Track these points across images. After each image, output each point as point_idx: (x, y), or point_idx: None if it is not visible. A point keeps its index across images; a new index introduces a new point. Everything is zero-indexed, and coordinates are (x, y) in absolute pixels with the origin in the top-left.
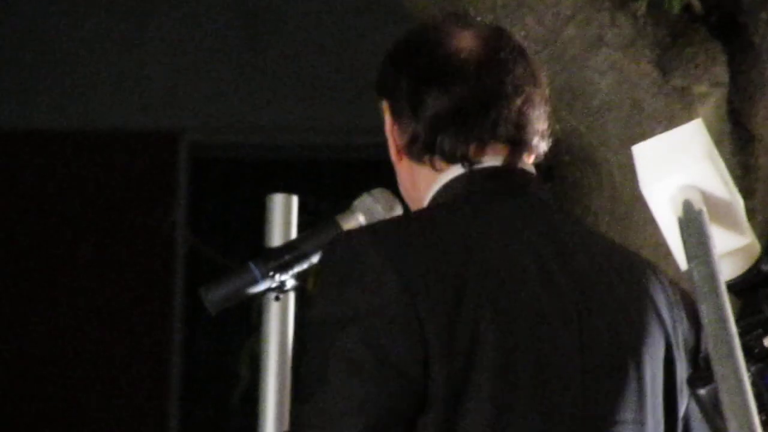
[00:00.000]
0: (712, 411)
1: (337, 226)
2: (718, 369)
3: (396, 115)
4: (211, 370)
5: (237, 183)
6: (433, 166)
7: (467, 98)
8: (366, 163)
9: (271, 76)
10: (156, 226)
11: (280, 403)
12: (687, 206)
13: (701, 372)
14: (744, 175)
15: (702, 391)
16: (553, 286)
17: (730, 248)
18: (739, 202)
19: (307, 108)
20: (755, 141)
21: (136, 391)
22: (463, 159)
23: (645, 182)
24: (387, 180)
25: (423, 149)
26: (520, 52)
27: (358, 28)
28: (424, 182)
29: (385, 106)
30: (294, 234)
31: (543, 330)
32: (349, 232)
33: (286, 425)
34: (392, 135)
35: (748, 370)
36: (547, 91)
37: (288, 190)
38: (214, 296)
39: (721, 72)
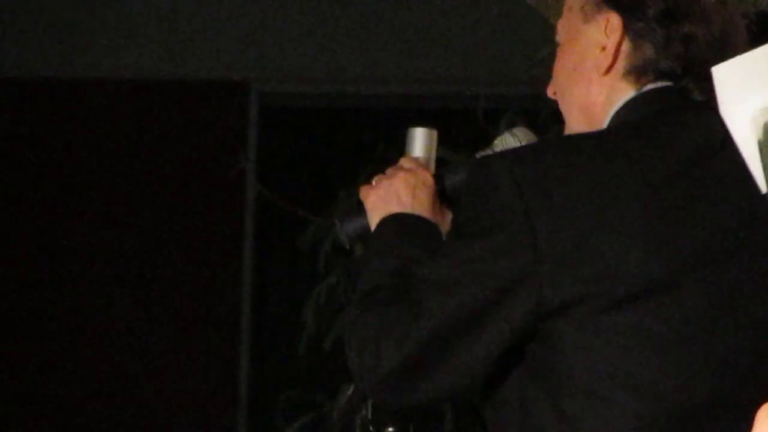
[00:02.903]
0: None
1: None
2: None
3: (637, 34)
4: (282, 318)
5: (306, 132)
6: (638, 86)
7: (712, 38)
8: (437, 111)
9: (340, 24)
10: (226, 174)
11: None
12: (767, 129)
13: None
14: None
15: None
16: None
17: None
18: None
19: (376, 57)
20: None
21: (206, 339)
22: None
23: (724, 103)
24: (452, 129)
25: (655, 76)
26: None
27: None
28: (612, 102)
29: (607, 17)
30: (432, 169)
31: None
32: (493, 154)
33: None
34: (615, 51)
35: None
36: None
37: (355, 139)
38: (349, 228)
39: None
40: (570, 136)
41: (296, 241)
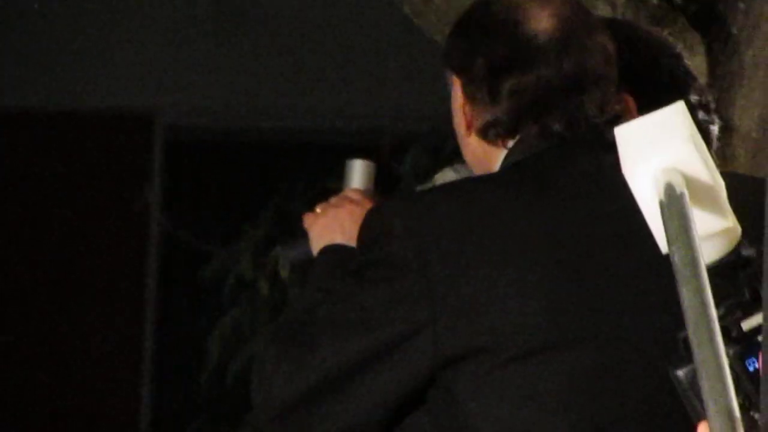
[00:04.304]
0: (690, 392)
1: None
2: (698, 354)
3: (470, 96)
4: (184, 350)
5: (211, 166)
6: (504, 145)
7: (548, 84)
8: (342, 146)
9: (247, 58)
10: (130, 207)
11: None
12: (669, 189)
13: (679, 353)
14: (722, 164)
15: (680, 372)
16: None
17: (712, 231)
18: (721, 185)
19: (281, 91)
20: (733, 131)
21: (109, 370)
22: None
23: (627, 165)
24: None
25: (502, 133)
26: (598, 31)
27: (336, 7)
28: (494, 157)
29: (454, 80)
30: (371, 201)
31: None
32: (386, 201)
33: None
34: (463, 112)
35: (726, 353)
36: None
37: (262, 174)
38: (290, 256)
39: (700, 62)
40: (466, 182)
41: (198, 274)
